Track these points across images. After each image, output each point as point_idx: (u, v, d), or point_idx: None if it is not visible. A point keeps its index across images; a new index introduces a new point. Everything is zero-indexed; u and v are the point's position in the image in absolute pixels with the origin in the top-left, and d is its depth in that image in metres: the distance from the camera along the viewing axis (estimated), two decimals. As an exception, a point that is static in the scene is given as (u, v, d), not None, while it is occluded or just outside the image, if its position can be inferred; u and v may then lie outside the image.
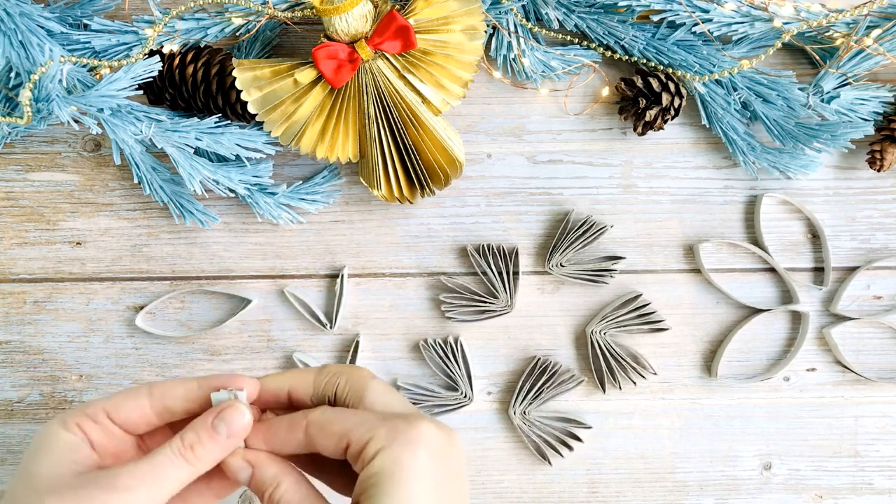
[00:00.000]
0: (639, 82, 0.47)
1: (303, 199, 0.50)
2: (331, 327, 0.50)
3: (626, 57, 0.49)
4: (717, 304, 0.51)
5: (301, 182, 0.50)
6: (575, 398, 0.51)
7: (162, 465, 0.32)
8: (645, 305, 0.50)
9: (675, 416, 0.51)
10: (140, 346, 0.51)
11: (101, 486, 0.31)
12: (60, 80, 0.44)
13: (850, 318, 0.50)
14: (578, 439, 0.50)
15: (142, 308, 0.51)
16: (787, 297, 0.51)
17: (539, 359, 0.50)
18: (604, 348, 0.50)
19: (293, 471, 0.35)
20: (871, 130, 0.47)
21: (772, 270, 0.51)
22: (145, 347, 0.51)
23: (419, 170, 0.47)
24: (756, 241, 0.51)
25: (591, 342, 0.50)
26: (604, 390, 0.50)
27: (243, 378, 0.35)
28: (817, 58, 0.48)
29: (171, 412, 0.35)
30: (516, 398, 0.50)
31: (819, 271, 0.51)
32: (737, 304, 0.51)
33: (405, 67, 0.45)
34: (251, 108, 0.45)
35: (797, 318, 0.51)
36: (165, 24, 0.46)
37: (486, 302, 0.50)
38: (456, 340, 0.50)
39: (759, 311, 0.51)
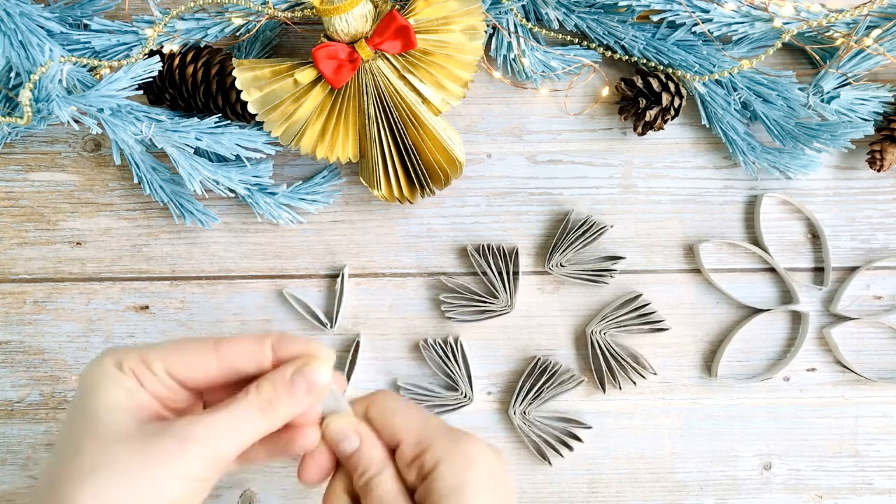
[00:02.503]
0: (639, 82, 0.47)
1: (303, 199, 0.50)
2: (331, 327, 0.50)
3: (626, 57, 0.49)
4: (717, 305, 0.51)
5: (301, 182, 0.50)
6: (575, 398, 0.51)
7: (240, 417, 0.31)
8: (645, 305, 0.50)
9: (675, 416, 0.51)
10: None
11: (175, 436, 0.30)
12: (60, 80, 0.44)
13: (850, 318, 0.50)
14: (578, 439, 0.50)
15: (144, 308, 0.51)
16: (787, 297, 0.51)
17: (539, 359, 0.50)
18: (604, 348, 0.50)
19: (392, 462, 0.34)
20: (871, 130, 0.47)
21: (772, 270, 0.51)
22: (145, 347, 0.51)
23: (419, 170, 0.47)
24: (756, 241, 0.51)
25: (592, 342, 0.50)
26: (604, 390, 0.50)
27: (320, 350, 0.34)
28: (817, 58, 0.48)
29: (238, 373, 0.33)
30: (516, 398, 0.50)
31: (819, 271, 0.51)
32: (737, 304, 0.51)
33: (405, 67, 0.45)
34: (251, 108, 0.45)
35: (797, 318, 0.51)
36: (165, 24, 0.46)
37: (485, 302, 0.50)
38: (456, 340, 0.50)
39: (760, 311, 0.51)
